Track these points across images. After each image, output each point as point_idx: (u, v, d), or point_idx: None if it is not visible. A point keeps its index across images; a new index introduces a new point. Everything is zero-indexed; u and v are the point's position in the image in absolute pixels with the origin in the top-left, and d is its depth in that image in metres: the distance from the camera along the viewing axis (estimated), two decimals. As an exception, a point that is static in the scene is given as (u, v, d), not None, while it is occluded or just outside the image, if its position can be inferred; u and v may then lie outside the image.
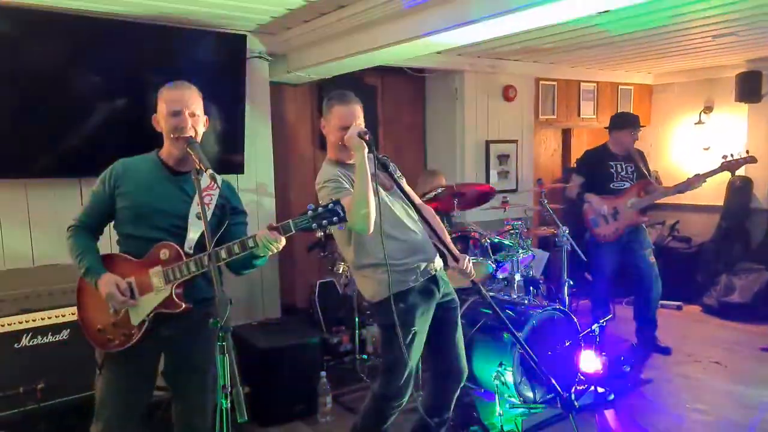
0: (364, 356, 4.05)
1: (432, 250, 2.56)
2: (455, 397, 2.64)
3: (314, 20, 3.56)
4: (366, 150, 2.18)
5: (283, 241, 1.91)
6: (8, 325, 2.76)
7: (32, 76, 3.09)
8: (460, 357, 2.61)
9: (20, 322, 2.79)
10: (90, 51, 3.23)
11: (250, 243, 1.90)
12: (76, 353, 2.62)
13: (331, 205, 1.83)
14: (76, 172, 3.26)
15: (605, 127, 4.46)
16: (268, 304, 4.14)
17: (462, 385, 2.64)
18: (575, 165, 4.73)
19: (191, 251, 2.00)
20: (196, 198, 2.01)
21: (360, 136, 2.19)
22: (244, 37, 3.74)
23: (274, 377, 3.31)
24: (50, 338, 2.83)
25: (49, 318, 2.85)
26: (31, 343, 2.79)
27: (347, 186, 2.33)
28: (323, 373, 3.40)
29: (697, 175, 4.11)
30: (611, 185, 4.25)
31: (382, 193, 2.41)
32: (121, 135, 3.24)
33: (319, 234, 1.86)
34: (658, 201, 4.40)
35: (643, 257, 4.31)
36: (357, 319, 4.01)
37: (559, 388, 2.31)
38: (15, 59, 3.03)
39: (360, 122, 2.37)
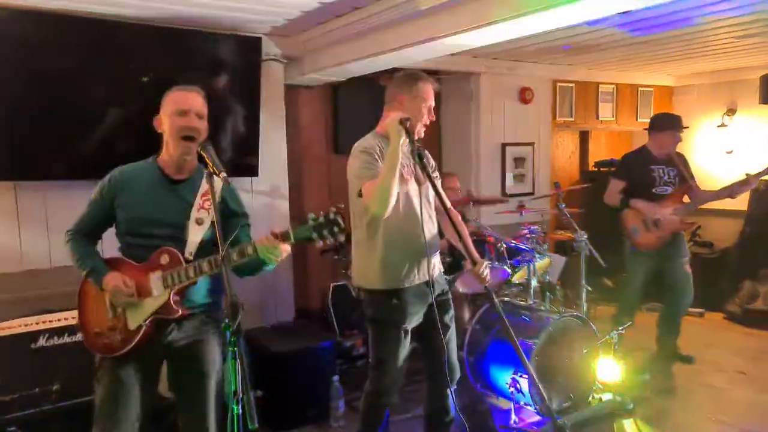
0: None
1: (435, 248, 2.54)
2: (452, 398, 2.60)
3: (329, 22, 3.54)
4: (403, 137, 2.19)
5: (287, 249, 1.88)
6: (26, 325, 2.79)
7: (49, 80, 3.12)
8: (452, 357, 2.59)
9: (37, 323, 2.82)
10: (105, 54, 3.24)
11: (249, 250, 1.88)
12: (92, 354, 2.62)
13: (333, 215, 1.81)
14: (93, 175, 3.26)
15: (645, 129, 4.25)
16: (282, 308, 4.12)
17: (454, 386, 2.60)
18: (615, 168, 4.50)
19: (191, 258, 1.98)
20: (196, 204, 2.00)
21: (400, 122, 2.20)
22: (259, 39, 3.74)
23: (286, 381, 3.30)
24: (66, 339, 2.86)
25: (66, 319, 2.87)
26: (47, 344, 2.82)
27: (379, 166, 2.31)
28: (336, 378, 3.37)
29: (751, 176, 3.82)
30: (653, 190, 4.02)
31: (411, 188, 2.40)
32: (136, 139, 3.21)
33: (320, 244, 1.82)
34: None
35: (681, 266, 4.10)
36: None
37: (552, 413, 2.24)
38: (33, 63, 3.06)
39: (431, 103, 2.46)
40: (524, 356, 2.43)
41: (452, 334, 2.61)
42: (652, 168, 4.05)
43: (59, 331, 2.84)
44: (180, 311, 1.95)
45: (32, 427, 2.72)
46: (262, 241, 1.84)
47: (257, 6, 3.21)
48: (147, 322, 1.95)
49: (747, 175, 3.84)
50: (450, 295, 2.63)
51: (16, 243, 3.25)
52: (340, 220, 1.81)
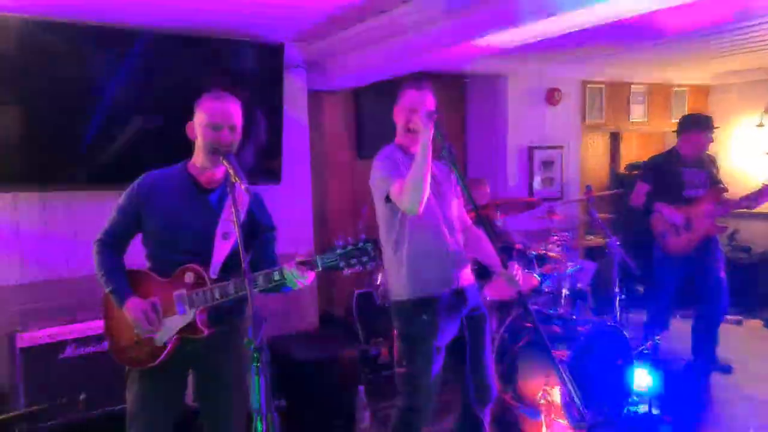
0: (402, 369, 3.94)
1: (463, 262, 2.47)
2: (487, 416, 2.52)
3: (353, 27, 3.49)
4: (431, 132, 2.15)
5: (312, 275, 1.83)
6: (54, 335, 2.82)
7: (71, 88, 3.13)
8: (488, 374, 2.50)
9: (65, 333, 2.84)
10: (127, 62, 3.25)
11: (276, 276, 1.84)
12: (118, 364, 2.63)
13: (362, 243, 1.75)
14: (118, 183, 3.27)
15: (674, 131, 4.10)
16: (306, 314, 4.09)
17: (490, 404, 2.52)
18: (642, 170, 4.36)
19: (216, 276, 1.95)
20: (223, 216, 1.96)
21: (428, 115, 2.18)
22: (281, 46, 3.72)
23: (311, 390, 3.26)
24: (93, 348, 2.87)
25: (92, 329, 2.88)
26: (75, 354, 2.83)
27: (402, 170, 2.28)
28: (361, 388, 3.32)
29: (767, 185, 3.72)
30: (683, 193, 3.88)
31: (434, 200, 2.36)
32: (160, 146, 3.24)
33: (347, 272, 1.76)
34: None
35: (715, 271, 3.94)
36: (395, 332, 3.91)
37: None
38: (57, 72, 3.08)
39: (413, 107, 2.39)
40: (561, 369, 2.37)
41: (488, 352, 2.52)
42: (682, 171, 3.91)
43: (86, 341, 2.86)
44: (206, 331, 1.93)
45: (59, 437, 2.74)
46: (291, 269, 1.80)
47: (280, 12, 3.18)
48: (173, 338, 1.94)
49: (764, 184, 3.77)
50: (484, 311, 2.54)
51: (42, 252, 3.27)
52: (370, 249, 1.75)
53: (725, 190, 3.95)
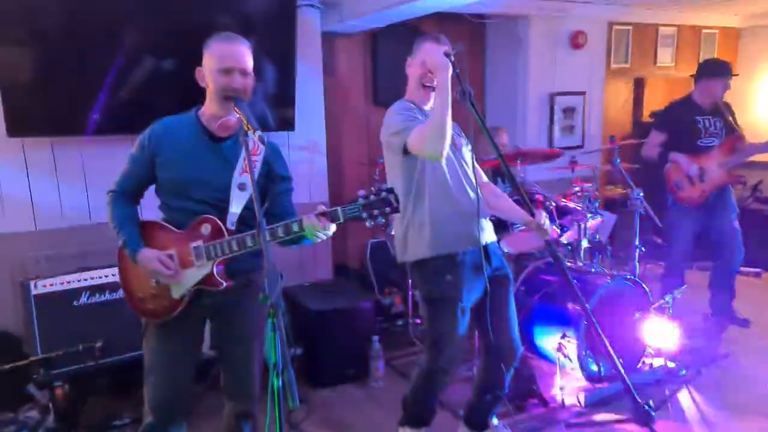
0: (418, 321, 3.95)
1: (485, 216, 2.39)
2: (509, 376, 2.50)
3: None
4: (450, 71, 2.05)
5: (333, 228, 1.76)
6: (68, 283, 2.81)
7: (81, 32, 3.02)
8: (514, 334, 2.46)
9: (79, 280, 2.84)
10: (137, 3, 3.12)
11: (295, 227, 1.76)
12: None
13: (384, 193, 1.66)
14: (129, 129, 3.20)
15: (691, 75, 3.95)
16: (320, 265, 4.07)
17: (515, 364, 2.50)
18: (654, 119, 4.25)
19: (233, 227, 1.89)
20: (239, 167, 1.88)
21: (445, 54, 2.08)
22: (294, -18, 3.52)
23: (326, 340, 3.27)
24: (107, 296, 2.86)
25: (106, 276, 2.88)
26: (89, 301, 2.83)
27: (421, 119, 2.20)
28: (376, 338, 3.32)
29: None
30: (698, 142, 3.79)
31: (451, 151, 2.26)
32: (170, 90, 3.14)
33: (369, 223, 1.68)
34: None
35: (729, 221, 3.91)
36: (410, 281, 3.89)
37: (636, 395, 2.09)
38: (65, 14, 2.96)
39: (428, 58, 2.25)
40: (595, 322, 2.32)
41: (513, 311, 2.47)
42: (697, 119, 3.80)
43: (101, 288, 2.85)
44: (224, 283, 1.88)
45: (78, 382, 2.79)
46: (311, 220, 1.72)
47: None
48: (190, 291, 1.90)
49: None
50: (508, 271, 2.47)
51: (55, 200, 3.24)
52: (392, 199, 1.66)
53: (742, 137, 3.84)
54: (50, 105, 3.04)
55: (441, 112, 2.03)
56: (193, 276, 1.88)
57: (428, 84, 2.25)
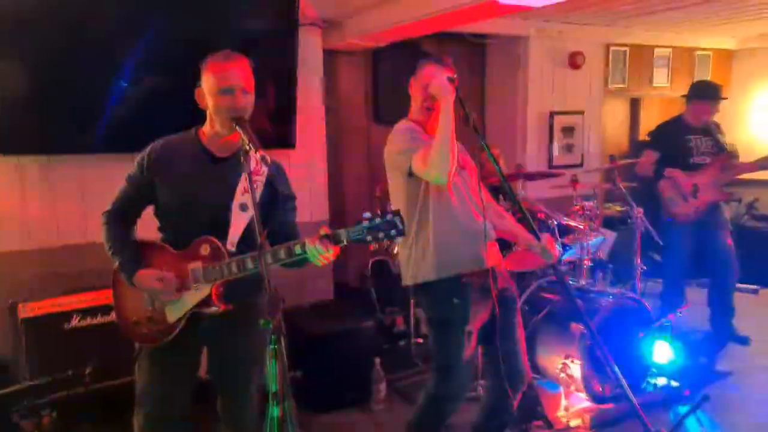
0: (419, 340, 3.89)
1: (491, 238, 2.35)
2: (516, 400, 2.43)
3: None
4: (453, 95, 2.06)
5: (337, 251, 1.70)
6: (58, 305, 2.73)
7: (78, 49, 2.98)
8: (522, 358, 2.40)
9: (70, 302, 2.76)
10: (135, 18, 3.10)
11: (297, 250, 1.71)
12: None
13: (390, 215, 1.62)
14: (128, 147, 3.16)
15: (683, 96, 4.05)
16: (320, 285, 4.01)
17: (522, 388, 2.42)
18: (648, 138, 4.31)
19: (234, 249, 1.83)
20: (240, 187, 1.83)
21: (449, 80, 2.08)
22: (295, 1, 3.51)
23: (326, 362, 3.19)
24: (100, 319, 2.79)
25: (99, 298, 2.80)
26: (80, 324, 2.75)
27: (425, 140, 2.18)
28: (377, 360, 3.26)
29: None
30: (690, 160, 3.87)
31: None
32: (170, 109, 3.09)
33: (375, 246, 1.65)
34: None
35: (721, 238, 3.97)
36: (412, 300, 3.84)
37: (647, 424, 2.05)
38: (62, 30, 2.93)
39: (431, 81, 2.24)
40: (601, 342, 2.27)
41: (520, 334, 2.41)
42: (688, 138, 3.92)
43: (93, 311, 2.78)
44: (222, 307, 1.82)
45: (66, 410, 2.68)
46: (314, 243, 1.67)
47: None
48: (187, 315, 1.84)
49: None
50: (513, 292, 2.44)
51: (48, 218, 3.18)
52: (398, 222, 1.62)
53: (731, 156, 3.97)
54: (46, 123, 3.00)
55: (445, 136, 2.02)
56: (190, 299, 1.82)
57: (430, 108, 2.24)
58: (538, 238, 2.22)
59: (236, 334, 1.92)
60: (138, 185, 1.89)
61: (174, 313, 1.84)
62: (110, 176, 3.09)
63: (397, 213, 1.64)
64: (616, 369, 2.16)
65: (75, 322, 2.75)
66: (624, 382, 2.14)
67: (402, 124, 2.31)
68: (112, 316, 2.69)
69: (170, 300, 1.84)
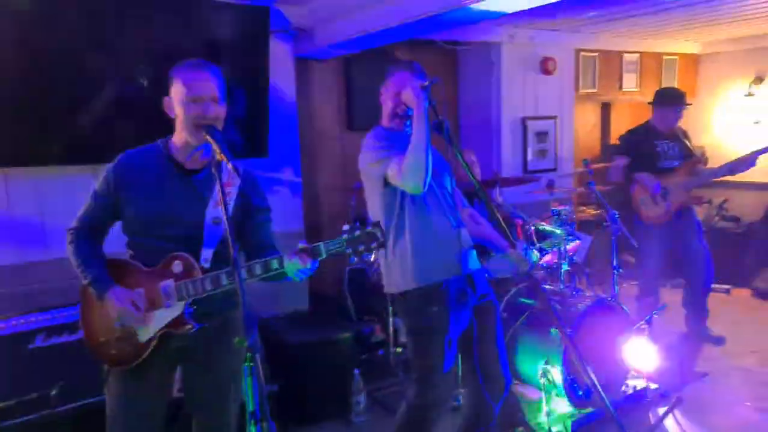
0: (398, 349, 3.84)
1: (469, 246, 2.34)
2: (498, 408, 2.41)
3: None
4: (426, 103, 2.05)
5: (315, 266, 1.67)
6: (21, 324, 2.59)
7: (39, 54, 2.87)
8: (503, 364, 2.39)
9: (34, 321, 2.63)
10: (100, 26, 3.00)
11: (275, 264, 1.66)
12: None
13: (370, 227, 1.60)
14: (90, 159, 3.05)
15: (649, 103, 4.16)
16: (296, 294, 3.94)
17: (504, 395, 2.41)
18: (618, 144, 4.40)
19: (207, 264, 1.76)
20: (213, 200, 1.77)
21: (422, 87, 2.08)
22: (266, 9, 3.47)
23: (304, 374, 3.14)
24: (65, 338, 2.66)
25: (64, 315, 2.67)
26: (45, 344, 2.62)
27: (399, 150, 2.15)
28: (356, 370, 3.20)
29: (746, 156, 3.81)
30: (658, 165, 3.97)
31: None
32: (135, 118, 3.02)
33: (354, 259, 1.61)
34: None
35: (695, 240, 4.05)
36: (390, 308, 3.79)
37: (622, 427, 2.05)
38: (20, 35, 2.82)
39: (401, 89, 2.23)
40: (579, 354, 2.25)
41: (501, 340, 2.40)
42: (656, 143, 4.02)
43: (58, 330, 2.64)
44: (195, 325, 1.75)
45: (31, 433, 2.55)
46: (292, 259, 1.63)
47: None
48: (158, 334, 1.76)
49: (749, 153, 3.83)
50: (493, 298, 2.42)
51: (7, 234, 3.04)
52: (378, 234, 1.59)
53: (699, 161, 4.08)
54: (4, 134, 2.87)
55: (419, 145, 2.01)
56: (162, 318, 1.75)
57: (402, 114, 2.23)
58: (514, 246, 2.21)
59: (211, 352, 1.85)
60: (104, 201, 1.81)
61: (145, 333, 1.76)
62: (71, 189, 3.05)
63: (376, 224, 1.62)
64: (592, 374, 2.16)
65: (39, 341, 2.61)
66: (599, 387, 2.13)
67: (374, 132, 2.29)
68: (79, 334, 2.61)
69: (141, 324, 1.76)
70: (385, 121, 2.34)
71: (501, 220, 2.18)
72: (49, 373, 2.55)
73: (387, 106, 2.30)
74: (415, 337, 2.28)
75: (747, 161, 3.82)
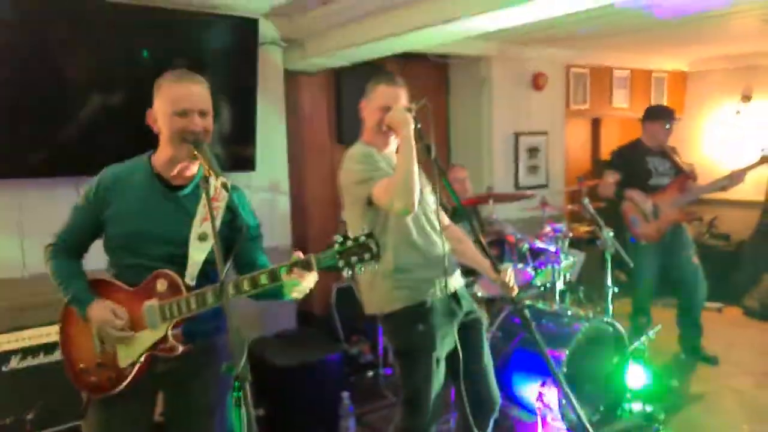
0: (387, 371, 3.74)
1: (453, 264, 2.29)
2: (491, 428, 2.35)
3: (334, 2, 3.21)
4: (412, 126, 2.01)
5: (310, 279, 1.57)
6: (-5, 345, 2.48)
7: (23, 64, 2.78)
8: (491, 383, 2.33)
9: (9, 342, 2.52)
10: (86, 36, 2.92)
11: (263, 279, 1.57)
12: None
13: (363, 238, 1.50)
14: (73, 171, 2.95)
15: (639, 119, 4.15)
16: (283, 314, 3.84)
17: (495, 415, 2.35)
18: (609, 160, 4.39)
19: (193, 283, 1.67)
20: (198, 216, 1.68)
21: (408, 109, 2.04)
22: (255, 21, 3.41)
23: (291, 397, 3.04)
24: (43, 359, 2.55)
25: (42, 336, 2.57)
26: (21, 366, 2.50)
27: (384, 167, 2.09)
28: (345, 393, 3.10)
29: (736, 171, 3.81)
30: (649, 181, 3.95)
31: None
32: (120, 130, 2.93)
33: (347, 272, 1.51)
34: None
35: (687, 259, 4.02)
36: (379, 328, 3.70)
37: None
38: (4, 45, 2.72)
39: (384, 103, 2.18)
40: (557, 373, 2.18)
41: (489, 357, 2.34)
42: (647, 159, 4.00)
43: (33, 350, 2.54)
44: (180, 347, 1.65)
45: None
46: (289, 277, 1.55)
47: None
48: (141, 358, 1.65)
49: (732, 171, 3.85)
50: (478, 315, 2.36)
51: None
52: (372, 245, 1.50)
53: (690, 177, 4.04)
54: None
55: (408, 168, 1.96)
56: (145, 340, 1.65)
57: (385, 128, 2.16)
58: (497, 270, 2.13)
59: (196, 378, 1.75)
60: (85, 217, 1.73)
61: (126, 357, 1.66)
62: (51, 202, 2.93)
63: (370, 235, 1.51)
64: (574, 401, 2.10)
65: (14, 363, 2.51)
66: (581, 413, 2.07)
67: (357, 149, 2.21)
68: (57, 355, 2.49)
69: (123, 340, 1.66)
70: (367, 136, 2.26)
71: (484, 242, 2.14)
72: (26, 396, 2.46)
73: (370, 120, 2.22)
74: (403, 357, 2.22)
75: (736, 177, 3.82)
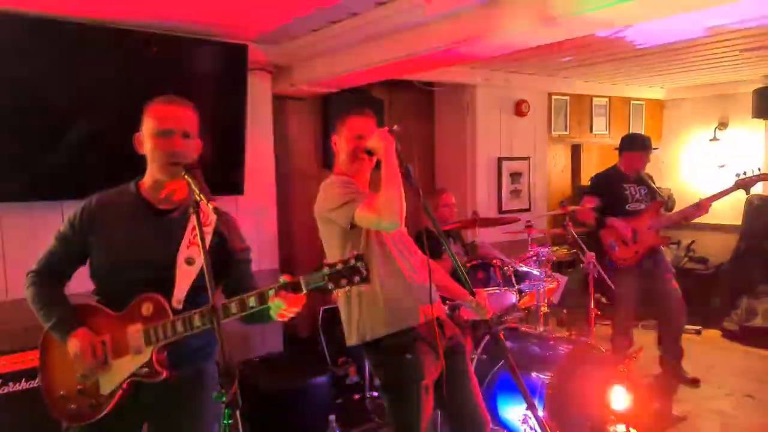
0: (374, 393, 3.72)
1: (434, 291, 2.27)
2: None
3: (324, 29, 3.28)
4: (394, 144, 2.02)
5: (301, 301, 1.56)
6: (-26, 371, 2.44)
7: (6, 87, 2.77)
8: (479, 406, 2.31)
9: (-8, 367, 2.47)
10: (72, 60, 2.92)
11: (252, 302, 1.56)
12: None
13: (353, 261, 1.50)
14: (56, 195, 2.92)
15: (616, 148, 4.30)
16: (269, 336, 3.82)
17: None
18: (588, 186, 4.48)
19: (180, 306, 1.65)
20: (186, 240, 1.68)
21: (390, 131, 2.05)
22: (244, 47, 3.46)
23: (278, 422, 3.01)
24: (24, 385, 2.49)
25: (23, 361, 2.52)
26: (1, 392, 2.45)
27: (361, 191, 2.10)
28: (332, 417, 3.08)
29: (703, 200, 3.91)
30: (626, 207, 4.07)
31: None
32: (104, 155, 2.92)
33: (336, 294, 1.52)
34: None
35: (666, 282, 4.10)
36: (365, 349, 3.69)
37: None
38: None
39: (358, 133, 2.21)
40: (531, 399, 2.19)
41: (474, 381, 2.33)
42: (623, 186, 4.12)
43: (14, 376, 2.48)
44: (165, 373, 1.63)
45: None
46: (276, 300, 1.54)
47: (242, 10, 2.93)
48: (123, 385, 1.63)
49: (700, 199, 3.95)
50: (460, 340, 2.36)
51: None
52: (362, 268, 1.49)
53: (662, 204, 4.20)
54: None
55: (393, 181, 1.97)
56: (126, 366, 1.62)
57: (361, 156, 2.16)
58: (473, 294, 2.14)
59: (183, 409, 1.72)
60: (69, 245, 1.72)
61: (108, 384, 1.63)
62: (33, 226, 2.90)
63: (360, 258, 1.51)
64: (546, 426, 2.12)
65: (-5, 389, 2.45)
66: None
67: (333, 178, 2.20)
68: (37, 382, 2.45)
69: (96, 371, 1.64)
70: (340, 168, 2.25)
71: (462, 268, 2.15)
72: (7, 424, 2.41)
73: (346, 149, 2.21)
74: (391, 390, 2.18)
75: (702, 207, 3.90)
